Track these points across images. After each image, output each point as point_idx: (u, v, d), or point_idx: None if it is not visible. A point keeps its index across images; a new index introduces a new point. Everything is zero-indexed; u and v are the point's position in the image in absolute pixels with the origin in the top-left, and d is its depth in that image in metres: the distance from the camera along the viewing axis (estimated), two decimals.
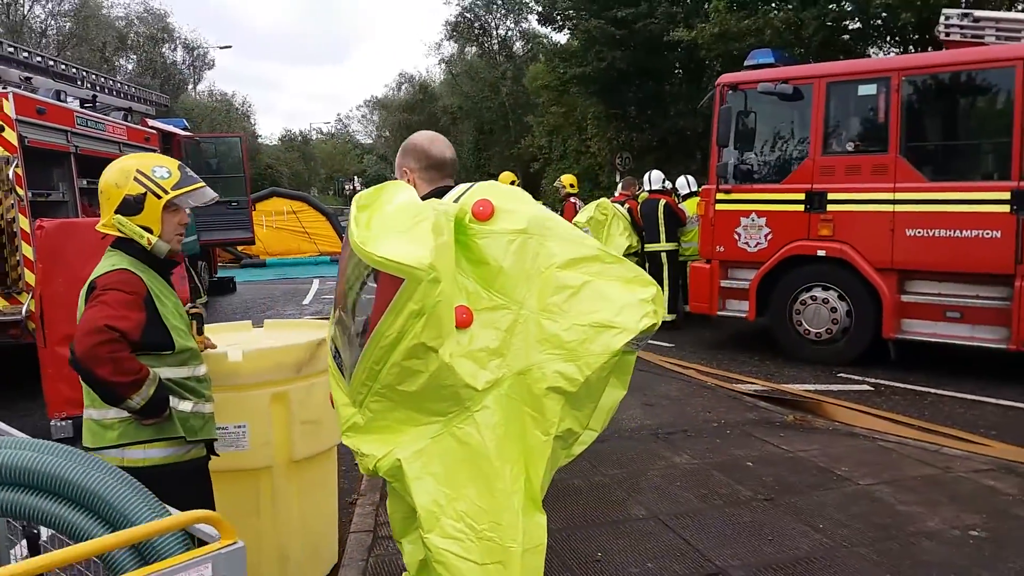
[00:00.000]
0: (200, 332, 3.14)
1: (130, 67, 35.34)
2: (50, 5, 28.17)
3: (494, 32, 32.77)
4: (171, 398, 2.63)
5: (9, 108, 6.82)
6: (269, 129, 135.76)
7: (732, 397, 6.50)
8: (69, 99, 9.21)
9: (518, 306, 2.34)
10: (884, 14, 13.05)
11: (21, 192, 6.87)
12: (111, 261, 2.59)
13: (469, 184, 2.54)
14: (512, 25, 31.06)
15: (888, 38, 15.05)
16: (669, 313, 9.92)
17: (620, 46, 18.42)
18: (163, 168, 2.70)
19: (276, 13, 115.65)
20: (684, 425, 5.79)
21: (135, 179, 2.58)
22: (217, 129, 45.12)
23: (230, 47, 63.07)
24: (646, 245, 10.13)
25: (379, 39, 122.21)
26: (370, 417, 2.39)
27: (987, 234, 6.95)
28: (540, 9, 20.80)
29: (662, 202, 9.93)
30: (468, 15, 31.97)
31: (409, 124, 51.78)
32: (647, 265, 10.15)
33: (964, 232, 7.06)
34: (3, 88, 6.91)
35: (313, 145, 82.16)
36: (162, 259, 2.69)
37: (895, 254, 7.42)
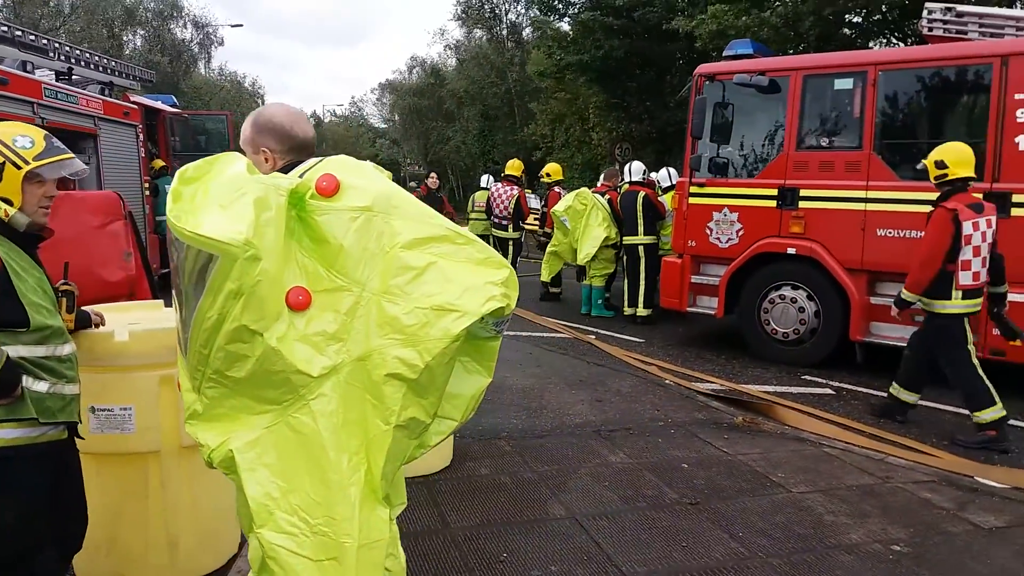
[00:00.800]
0: (71, 311, 3.03)
1: (138, 43, 35.27)
2: None
3: (504, 17, 32.49)
4: (25, 377, 2.53)
5: None
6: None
7: (685, 396, 6.36)
8: (40, 71, 9.14)
9: (360, 288, 2.22)
10: (884, 7, 12.77)
11: None
12: None
13: (318, 159, 2.42)
14: (522, 11, 30.77)
15: (889, 33, 14.75)
16: (645, 308, 9.78)
17: (619, 35, 18.17)
18: (26, 138, 2.59)
19: None
20: (629, 423, 5.66)
21: None
22: (226, 107, 45.23)
23: (241, 25, 62.65)
24: (624, 238, 9.96)
25: (398, 21, 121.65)
26: (207, 404, 2.28)
27: None
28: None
29: (641, 194, 9.74)
30: None
31: (419, 108, 51.58)
32: (626, 258, 10.02)
33: None
34: None
35: (325, 128, 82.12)
36: (22, 232, 2.59)
37: (865, 254, 7.24)
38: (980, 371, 5.50)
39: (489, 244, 2.68)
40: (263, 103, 61.32)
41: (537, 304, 11.22)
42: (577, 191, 10.52)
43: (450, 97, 36.63)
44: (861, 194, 7.22)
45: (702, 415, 5.91)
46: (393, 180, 2.48)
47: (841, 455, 5.11)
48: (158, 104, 13.05)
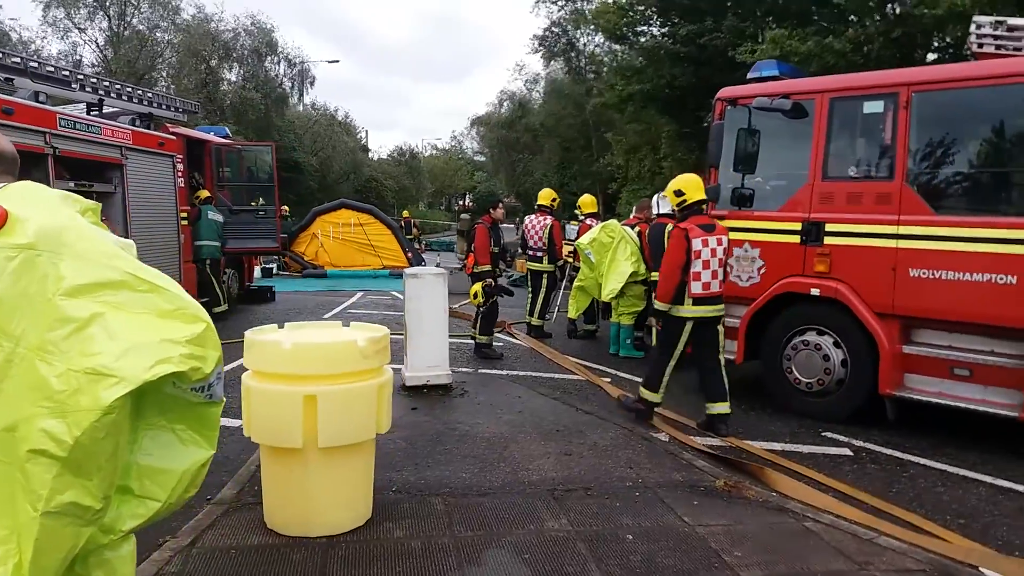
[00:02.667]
0: None
1: (233, 78, 36.82)
2: (165, 14, 29.58)
3: (582, 47, 32.21)
4: None
5: None
6: (384, 143, 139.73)
7: (669, 452, 5.69)
8: (71, 106, 9.36)
9: (13, 342, 1.84)
10: (960, 28, 11.69)
11: None
12: None
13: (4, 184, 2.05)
14: (601, 40, 30.37)
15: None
16: None
17: (684, 63, 17.52)
18: None
19: (405, 31, 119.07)
20: (591, 482, 5.06)
21: None
22: (318, 142, 46.66)
23: (337, 61, 65.04)
24: (652, 273, 9.31)
25: (500, 57, 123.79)
26: None
27: (1002, 279, 5.87)
28: (611, 29, 20.09)
29: (669, 226, 9.04)
30: (556, 29, 31.57)
31: (507, 141, 51.99)
32: (653, 295, 9.36)
33: (976, 276, 6.00)
34: None
35: (423, 160, 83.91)
36: None
37: (897, 297, 6.41)
38: (670, 367, 6.48)
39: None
40: (359, 136, 63.26)
41: (565, 342, 10.66)
42: (604, 223, 9.96)
43: (527, 131, 36.53)
44: (892, 229, 6.41)
45: (680, 475, 5.24)
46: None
47: (823, 531, 4.36)
48: (203, 135, 13.28)
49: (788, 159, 7.40)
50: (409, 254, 22.73)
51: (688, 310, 6.34)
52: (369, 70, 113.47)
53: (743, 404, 7.47)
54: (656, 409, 6.73)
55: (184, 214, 11.63)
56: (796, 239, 7.01)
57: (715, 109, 7.62)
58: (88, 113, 9.78)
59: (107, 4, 27.35)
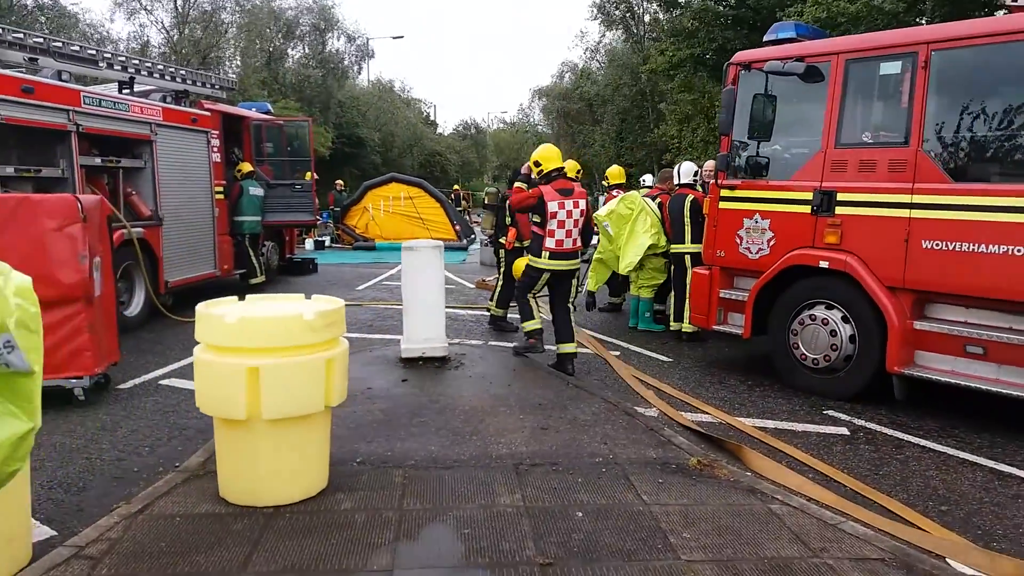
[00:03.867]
0: None
1: (296, 55, 37.40)
2: None
3: (641, 16, 31.41)
4: None
5: None
6: (454, 117, 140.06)
7: (651, 429, 5.53)
8: (105, 85, 9.60)
9: None
10: None
11: None
12: None
13: None
14: (659, 9, 29.52)
15: None
16: (691, 324, 8.83)
17: (734, 25, 16.90)
18: None
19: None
20: (560, 457, 4.96)
21: None
22: (381, 116, 47.06)
23: (402, 37, 65.32)
24: (671, 246, 9.07)
25: (566, 26, 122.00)
26: None
27: (1020, 251, 5.48)
28: None
29: (689, 197, 8.82)
30: None
31: (567, 111, 51.43)
32: (673, 268, 9.13)
33: (992, 248, 5.62)
34: None
35: (488, 134, 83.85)
36: None
37: (908, 270, 6.06)
38: (534, 304, 7.50)
39: None
40: (425, 110, 63.43)
41: (588, 315, 10.51)
42: (624, 195, 9.71)
43: (582, 100, 36.04)
44: (906, 198, 6.05)
45: (654, 452, 5.08)
46: None
47: (788, 515, 4.17)
48: (241, 111, 13.50)
49: (803, 126, 7.05)
50: (457, 227, 22.78)
51: (544, 263, 7.18)
52: (438, 44, 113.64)
53: (748, 380, 7.24)
54: (650, 382, 6.57)
55: (220, 188, 11.88)
56: (807, 209, 6.69)
57: (728, 74, 7.29)
58: (120, 91, 10.04)
59: None
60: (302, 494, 4.29)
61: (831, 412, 6.24)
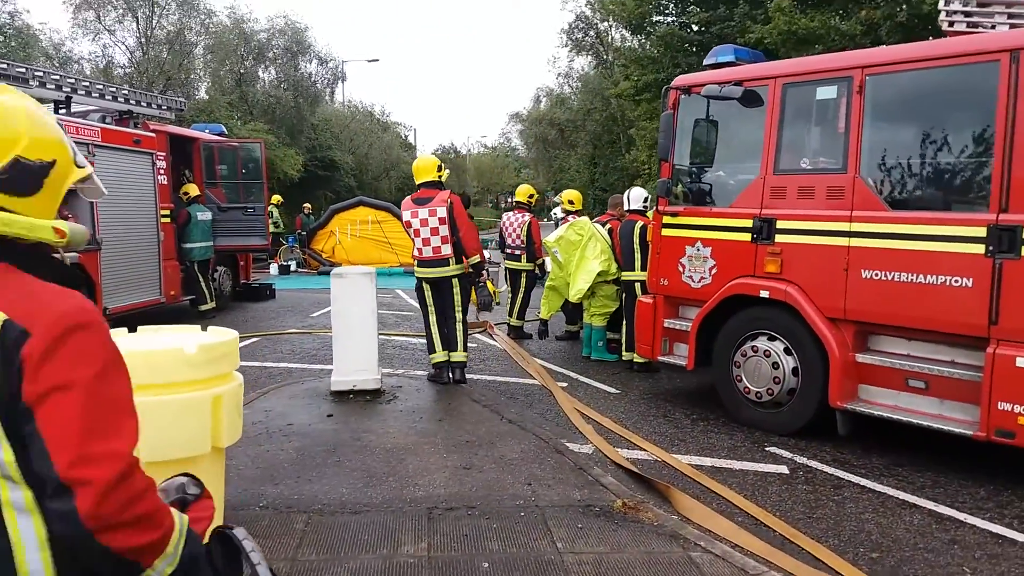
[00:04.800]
0: None
1: (268, 78, 37.10)
2: (194, 16, 29.95)
3: (610, 40, 31.54)
4: None
5: None
6: (436, 141, 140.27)
7: (579, 468, 5.26)
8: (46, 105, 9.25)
9: None
10: None
11: None
12: None
13: None
14: (628, 35, 29.66)
15: None
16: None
17: (698, 51, 16.91)
18: None
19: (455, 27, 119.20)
20: (478, 501, 4.68)
21: None
22: (355, 139, 46.78)
23: (377, 60, 65.41)
24: (622, 273, 8.86)
25: (544, 51, 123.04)
26: None
27: (957, 282, 5.31)
28: (627, 17, 19.52)
29: (639, 224, 8.63)
30: (582, 22, 30.99)
31: (544, 136, 51.50)
32: (624, 295, 8.92)
33: (930, 278, 5.44)
34: None
35: (469, 158, 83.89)
36: None
37: (849, 300, 5.87)
38: (432, 325, 7.53)
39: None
40: (404, 134, 63.35)
41: (544, 344, 10.28)
42: (574, 220, 9.52)
43: (553, 126, 36.12)
44: (844, 226, 5.88)
45: (580, 494, 4.82)
46: None
47: (708, 564, 3.92)
48: (189, 132, 13.21)
49: (743, 152, 6.90)
50: None
51: (417, 272, 7.52)
52: (417, 69, 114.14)
53: (694, 413, 7.00)
54: (591, 416, 6.33)
55: (166, 212, 11.56)
56: (748, 237, 6.50)
57: (668, 98, 7.13)
58: (56, 111, 9.73)
59: (136, 5, 27.71)
60: None
61: (773, 448, 6.02)
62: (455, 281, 7.43)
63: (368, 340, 6.80)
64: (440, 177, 7.59)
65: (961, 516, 4.76)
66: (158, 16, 28.32)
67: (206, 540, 1.53)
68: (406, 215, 7.46)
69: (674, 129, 7.00)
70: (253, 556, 1.54)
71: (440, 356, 7.52)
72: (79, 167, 1.61)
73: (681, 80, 7.14)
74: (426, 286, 7.50)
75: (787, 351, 6.31)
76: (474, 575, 3.77)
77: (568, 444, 5.87)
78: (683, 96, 7.04)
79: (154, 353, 3.80)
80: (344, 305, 6.78)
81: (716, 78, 6.73)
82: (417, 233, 7.39)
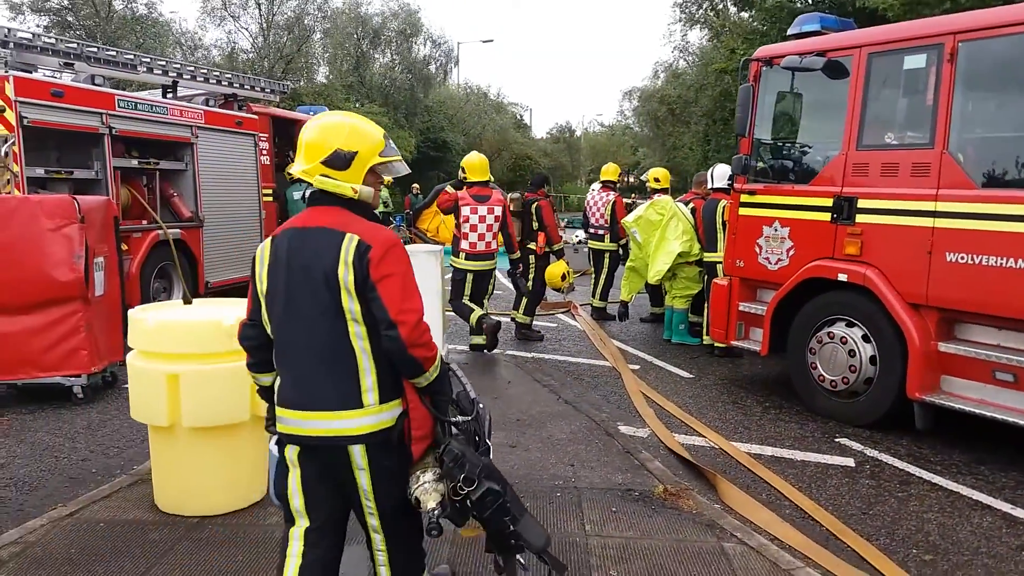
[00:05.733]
0: None
1: (383, 61, 38.03)
2: (317, 3, 31.08)
3: (728, 13, 30.34)
4: None
5: (10, 90, 7.35)
6: (545, 121, 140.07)
7: (627, 451, 5.15)
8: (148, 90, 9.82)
9: None
10: None
11: (16, 169, 7.41)
12: None
13: None
14: (733, 7, 28.44)
15: None
16: None
17: None
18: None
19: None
20: (518, 479, 4.64)
21: None
22: (468, 121, 47.35)
23: (491, 41, 65.54)
24: (704, 254, 8.59)
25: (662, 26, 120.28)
26: None
27: None
28: None
29: (722, 203, 8.30)
30: None
31: (656, 114, 50.40)
32: (706, 277, 8.64)
33: (1022, 262, 4.98)
34: (4, 71, 7.44)
35: (584, 137, 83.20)
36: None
37: (931, 286, 5.47)
38: (468, 303, 8.09)
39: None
40: (520, 115, 63.46)
41: (626, 325, 10.11)
42: (655, 199, 9.27)
43: (663, 103, 35.22)
44: (929, 206, 5.46)
45: (622, 478, 4.73)
46: None
47: (739, 556, 3.76)
48: (292, 114, 13.67)
49: (826, 126, 6.51)
50: None
51: (462, 263, 8.04)
52: (532, 46, 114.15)
53: (767, 401, 6.73)
54: (656, 400, 6.20)
55: (268, 191, 12.06)
56: (827, 217, 6.15)
57: (749, 71, 6.81)
58: (164, 95, 10.31)
59: None
60: (230, 505, 4.18)
61: (845, 440, 5.70)
62: (495, 273, 8.36)
63: (433, 316, 6.86)
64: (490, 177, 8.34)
65: None
66: (279, 3, 29.48)
67: None
68: (465, 210, 7.90)
69: (754, 103, 6.68)
70: (463, 379, 2.87)
71: (478, 311, 8.02)
72: (381, 156, 2.61)
73: (762, 51, 6.80)
74: (469, 276, 8.01)
75: (865, 338, 5.94)
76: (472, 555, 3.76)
77: (622, 427, 5.77)
78: (764, 68, 6.71)
79: (197, 325, 3.99)
80: None
81: (798, 48, 6.37)
82: (474, 228, 7.91)
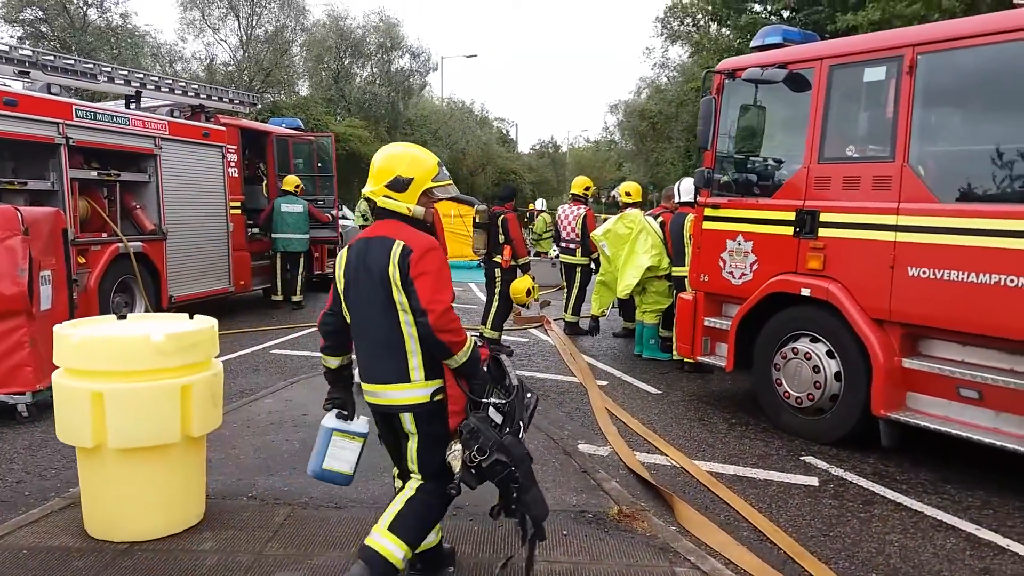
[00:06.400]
0: None
1: (364, 74, 37.91)
2: (292, 15, 30.99)
3: (709, 29, 30.49)
4: None
5: None
6: (529, 136, 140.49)
7: (583, 471, 5.00)
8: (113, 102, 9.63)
9: None
10: None
11: None
12: None
13: None
14: (730, 22, 28.59)
15: None
16: None
17: None
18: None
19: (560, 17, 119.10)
20: (471, 501, 4.42)
21: None
22: (452, 135, 47.28)
23: (475, 56, 65.87)
24: (673, 268, 8.48)
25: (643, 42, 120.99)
26: None
27: (1013, 281, 4.76)
28: (711, 8, 18.75)
29: (690, 217, 8.20)
30: (678, 11, 30.07)
31: (639, 129, 50.61)
32: (675, 292, 8.53)
33: (986, 277, 4.89)
34: None
35: (570, 152, 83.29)
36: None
37: (894, 300, 5.37)
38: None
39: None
40: (506, 130, 63.44)
41: (598, 340, 9.98)
42: (624, 213, 9.17)
43: (644, 118, 35.35)
44: (891, 219, 5.37)
45: (576, 499, 4.57)
46: None
47: None
48: (262, 126, 13.51)
49: (787, 139, 6.45)
50: None
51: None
52: (516, 61, 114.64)
53: (734, 418, 6.61)
54: (620, 417, 6.04)
55: (236, 203, 11.86)
56: (790, 231, 6.05)
57: (713, 83, 6.73)
58: (127, 106, 10.12)
59: (238, 4, 28.83)
60: (163, 530, 3.98)
61: (810, 458, 5.58)
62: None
63: None
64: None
65: (1003, 542, 4.25)
66: (258, 16, 29.34)
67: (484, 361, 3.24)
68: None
69: (717, 115, 6.60)
70: (509, 369, 3.29)
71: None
72: (434, 181, 3.22)
73: (725, 64, 6.73)
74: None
75: (830, 354, 5.84)
76: None
77: (582, 445, 5.63)
78: (727, 81, 6.63)
79: (123, 340, 3.81)
80: None
81: (760, 61, 6.30)
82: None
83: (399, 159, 3.19)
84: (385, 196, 3.13)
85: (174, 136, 10.27)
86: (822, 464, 5.46)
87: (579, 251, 10.35)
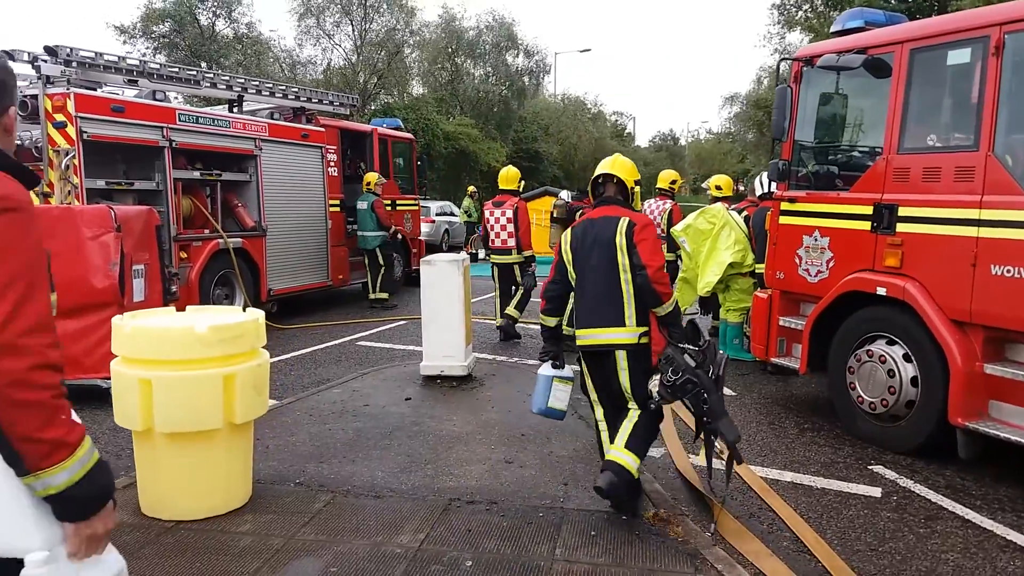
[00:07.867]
0: None
1: (478, 74, 38.40)
2: (403, 18, 31.82)
3: (830, 15, 29.05)
4: None
5: (71, 106, 7.78)
6: (648, 129, 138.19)
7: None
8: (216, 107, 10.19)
9: None
10: None
11: (76, 180, 7.82)
12: None
13: None
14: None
15: None
16: None
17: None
18: None
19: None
20: (505, 497, 4.50)
21: None
22: (564, 130, 47.23)
23: (589, 50, 65.42)
24: (756, 265, 8.16)
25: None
26: None
27: None
28: None
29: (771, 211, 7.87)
30: None
31: (757, 119, 48.88)
32: (758, 288, 8.21)
33: None
34: (66, 89, 7.86)
35: (689, 145, 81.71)
36: None
37: (975, 301, 4.97)
38: (496, 298, 9.79)
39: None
40: (621, 124, 62.79)
41: None
42: (706, 207, 8.88)
43: (760, 107, 34.02)
44: (973, 213, 4.97)
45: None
46: None
47: None
48: (359, 126, 13.91)
49: (867, 129, 6.08)
50: None
51: (491, 257, 9.74)
52: (631, 54, 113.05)
53: (807, 423, 6.30)
54: (684, 417, 5.89)
55: (335, 201, 12.30)
56: (867, 226, 5.71)
57: (790, 71, 6.42)
58: (230, 110, 10.69)
59: (351, 8, 29.85)
60: (208, 511, 4.20)
61: (879, 468, 5.25)
62: (515, 267, 9.51)
63: (455, 326, 6.80)
64: (520, 187, 9.97)
65: None
66: (371, 20, 30.29)
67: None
68: (487, 213, 9.62)
69: (794, 105, 6.28)
70: (702, 329, 4.26)
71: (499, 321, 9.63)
72: (636, 184, 4.44)
73: (802, 51, 6.43)
74: (494, 269, 9.70)
75: (906, 357, 5.46)
76: (452, 572, 3.62)
77: None
78: (805, 69, 6.31)
79: (169, 331, 4.04)
80: (432, 292, 6.83)
81: (839, 47, 5.97)
82: (491, 227, 9.54)
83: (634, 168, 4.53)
84: (633, 185, 4.39)
85: (274, 137, 10.77)
86: (891, 475, 5.12)
87: (664, 246, 10.11)
